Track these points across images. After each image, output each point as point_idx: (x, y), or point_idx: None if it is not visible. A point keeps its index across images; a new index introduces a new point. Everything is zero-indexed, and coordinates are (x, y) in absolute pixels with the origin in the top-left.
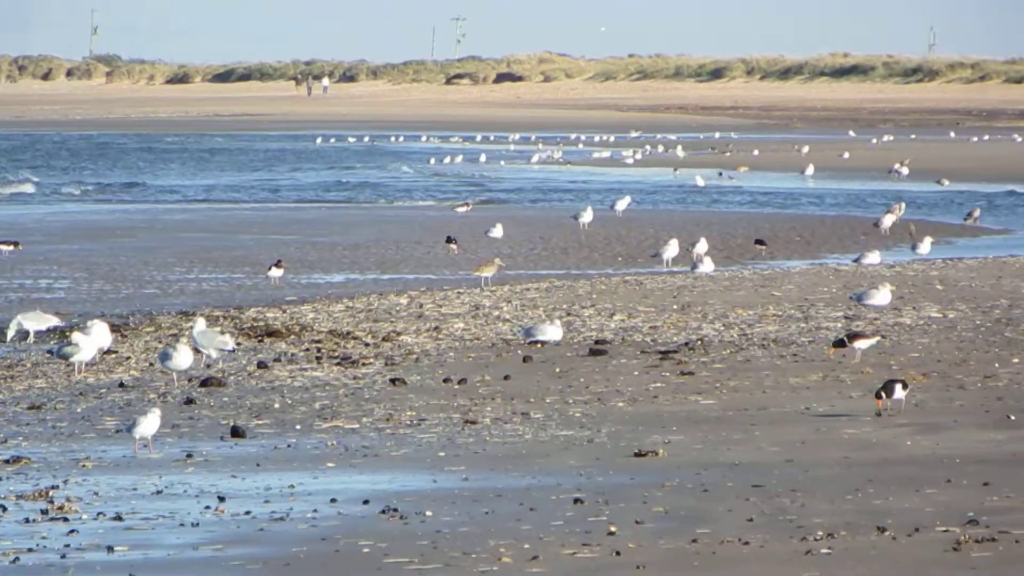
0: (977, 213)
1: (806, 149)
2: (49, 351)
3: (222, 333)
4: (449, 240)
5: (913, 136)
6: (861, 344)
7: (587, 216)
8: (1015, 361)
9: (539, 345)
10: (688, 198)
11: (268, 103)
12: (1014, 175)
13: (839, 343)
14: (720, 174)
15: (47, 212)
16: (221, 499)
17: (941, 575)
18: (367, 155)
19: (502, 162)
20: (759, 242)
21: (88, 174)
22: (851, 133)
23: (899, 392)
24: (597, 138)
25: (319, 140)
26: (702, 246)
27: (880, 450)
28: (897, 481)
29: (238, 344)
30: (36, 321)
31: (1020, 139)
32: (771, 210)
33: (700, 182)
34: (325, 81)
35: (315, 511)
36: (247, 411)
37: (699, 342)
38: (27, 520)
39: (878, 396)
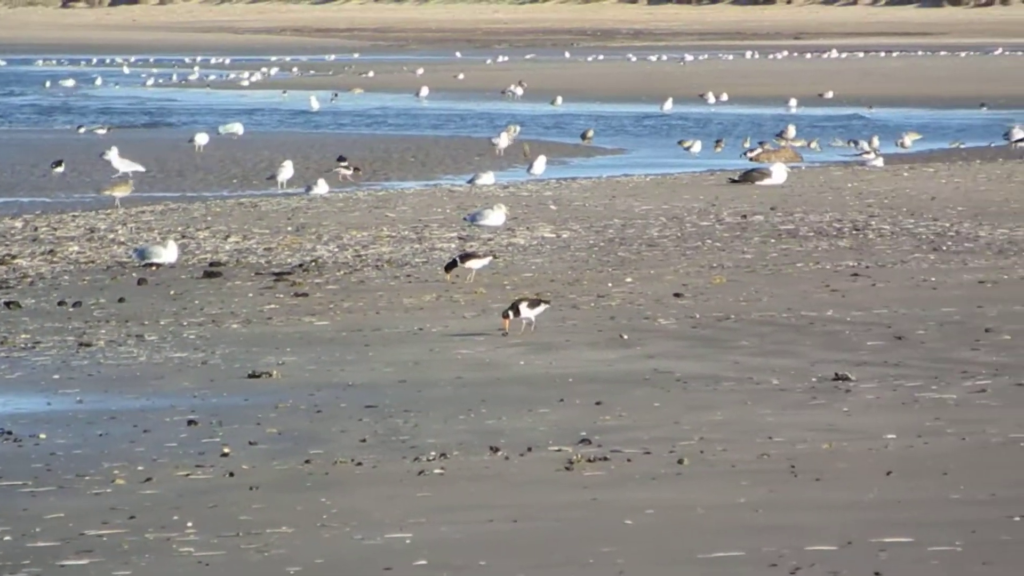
0: (591, 133)
1: (420, 71)
2: None
3: None
4: (56, 164)
5: (528, 56)
6: (473, 264)
7: (202, 138)
8: (628, 280)
9: (154, 267)
10: (304, 120)
11: None
12: (629, 94)
13: (451, 265)
14: (335, 95)
15: None
16: None
17: (554, 494)
18: None
19: (116, 85)
20: (341, 159)
21: None
22: (458, 54)
23: (526, 311)
24: (213, 60)
25: None
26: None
27: (493, 370)
28: (510, 401)
29: None
30: None
31: (634, 58)
32: (386, 131)
33: (314, 104)
34: None
35: None
36: None
37: (313, 263)
38: None
39: (505, 315)
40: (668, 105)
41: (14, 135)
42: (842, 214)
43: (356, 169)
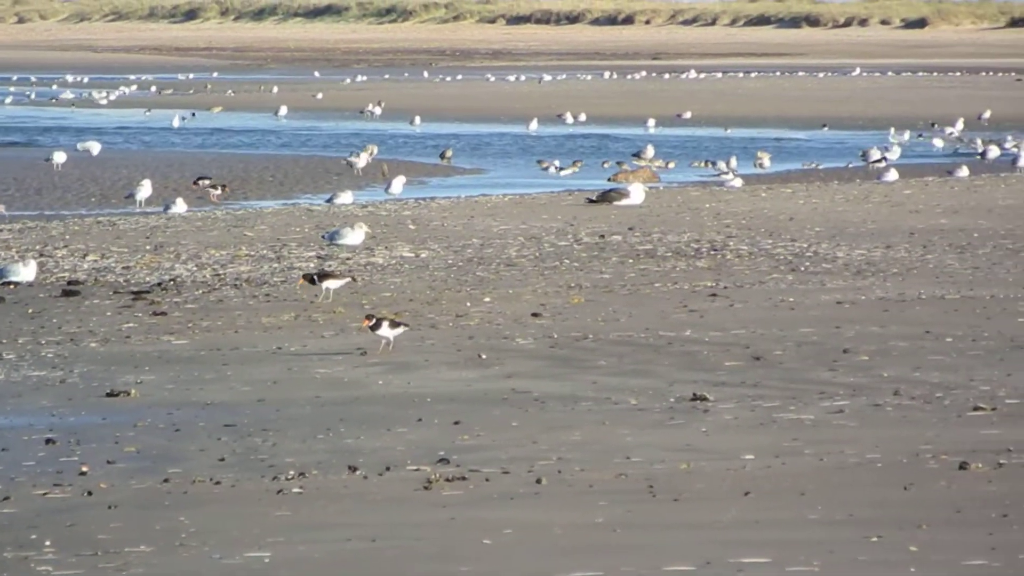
0: (450, 153)
1: (276, 89)
2: None
3: None
4: None
5: (387, 76)
6: (331, 284)
7: (60, 157)
8: (486, 300)
9: (11, 286)
10: (163, 138)
11: None
12: (488, 114)
13: (309, 277)
14: (194, 114)
15: None
16: None
17: (412, 513)
18: None
19: None
20: (200, 179)
21: None
22: (316, 74)
23: (386, 329)
24: (71, 79)
25: None
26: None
27: (352, 389)
28: (369, 420)
29: None
30: None
31: (493, 78)
32: (245, 151)
33: (176, 123)
34: None
35: None
36: None
37: (172, 282)
38: None
39: (368, 318)
40: (533, 125)
41: None
42: (700, 234)
43: (223, 187)
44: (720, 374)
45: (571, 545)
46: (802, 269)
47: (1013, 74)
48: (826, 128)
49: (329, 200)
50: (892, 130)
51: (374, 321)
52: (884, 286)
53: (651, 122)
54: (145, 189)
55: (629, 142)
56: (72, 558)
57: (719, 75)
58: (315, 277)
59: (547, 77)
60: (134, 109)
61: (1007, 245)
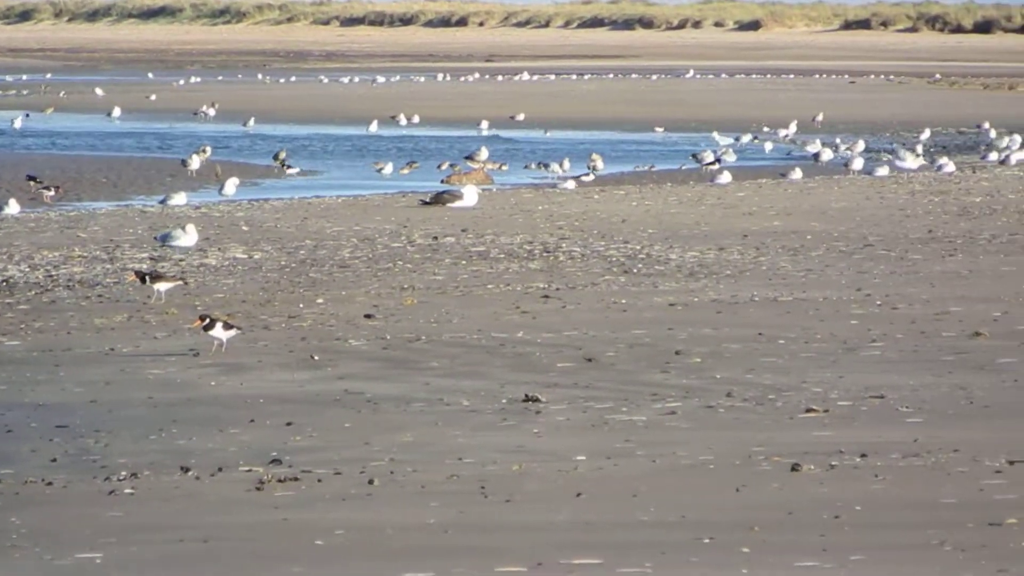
0: (283, 154)
1: (110, 91)
2: None
3: None
4: None
5: (220, 77)
6: (161, 286)
7: None
8: (319, 301)
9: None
10: None
11: None
12: (322, 116)
13: (141, 275)
14: (28, 115)
15: None
16: None
17: (244, 514)
18: None
19: None
20: (31, 178)
21: None
22: (150, 75)
23: (220, 331)
24: None
25: None
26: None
27: (185, 390)
28: (201, 421)
29: None
30: None
31: (327, 80)
32: (78, 151)
33: (18, 123)
34: None
35: None
36: None
37: (4, 283)
38: None
39: (201, 319)
40: (374, 127)
41: None
42: (533, 236)
43: (57, 188)
44: (552, 375)
45: (403, 546)
46: (635, 271)
47: (846, 76)
48: (662, 130)
49: (163, 201)
50: (715, 133)
51: (207, 322)
52: (717, 288)
53: (484, 124)
54: None
55: (463, 144)
56: None
57: (552, 77)
58: (146, 277)
59: (381, 79)
60: None
61: (840, 247)
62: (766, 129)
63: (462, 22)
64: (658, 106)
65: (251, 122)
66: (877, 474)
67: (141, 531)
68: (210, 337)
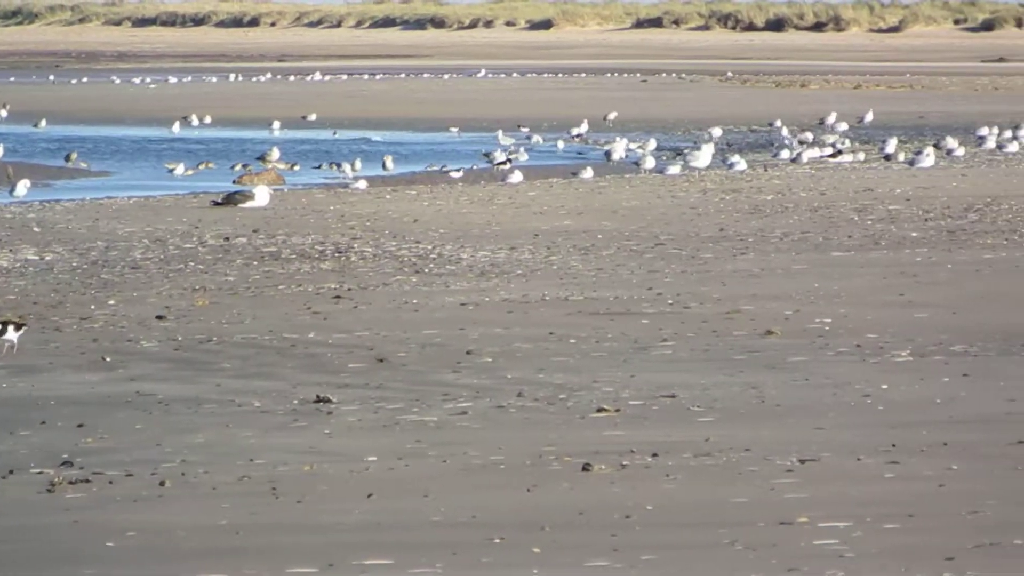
0: (75, 155)
1: None
2: None
3: None
4: None
5: (12, 79)
6: None
7: None
8: (111, 303)
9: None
10: None
11: None
12: (114, 117)
13: None
14: None
15: None
16: None
17: (35, 516)
18: None
19: None
20: None
21: None
22: None
23: (11, 333)
24: None
25: None
26: None
27: None
28: None
29: None
30: None
31: (119, 80)
32: None
33: None
34: None
35: None
36: None
37: None
38: None
39: None
40: (176, 128)
41: None
42: (325, 236)
43: None
44: (344, 376)
45: (194, 547)
46: (426, 271)
47: (638, 75)
48: (456, 130)
49: None
50: (499, 133)
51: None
52: (508, 288)
53: (276, 124)
54: None
55: (255, 144)
56: None
57: (344, 77)
58: None
59: (173, 79)
60: None
61: (631, 246)
62: (550, 128)
63: (254, 22)
64: (450, 105)
65: (43, 123)
66: (668, 473)
67: None
68: (0, 340)
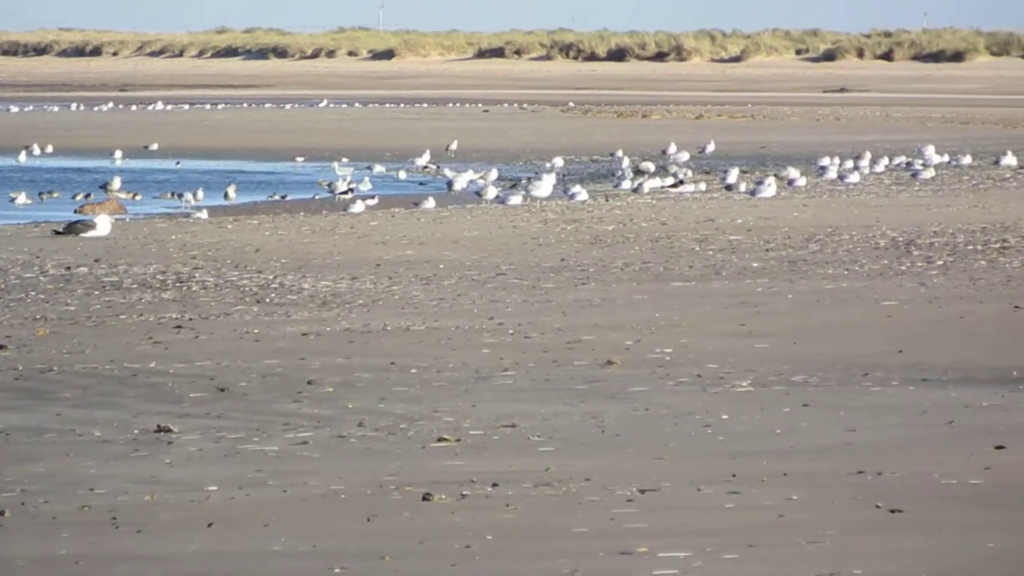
0: None
1: None
2: None
3: None
4: None
5: None
6: None
7: None
8: None
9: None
10: None
11: None
12: None
13: None
14: None
15: None
16: None
17: None
18: None
19: None
20: None
21: None
22: None
23: None
24: None
25: None
26: None
27: None
28: None
29: None
30: None
31: None
32: None
33: None
34: None
35: None
36: None
37: None
38: None
39: None
40: (22, 157)
41: None
42: (166, 266)
43: None
44: (185, 406)
45: None
46: (268, 300)
47: (480, 105)
48: (302, 159)
49: None
50: (335, 164)
51: None
52: (350, 317)
53: (118, 153)
54: None
55: (97, 174)
56: None
57: (186, 107)
58: None
59: (15, 108)
60: None
61: (472, 276)
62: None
63: (96, 52)
64: (293, 135)
65: None
66: (508, 503)
67: None
68: None
